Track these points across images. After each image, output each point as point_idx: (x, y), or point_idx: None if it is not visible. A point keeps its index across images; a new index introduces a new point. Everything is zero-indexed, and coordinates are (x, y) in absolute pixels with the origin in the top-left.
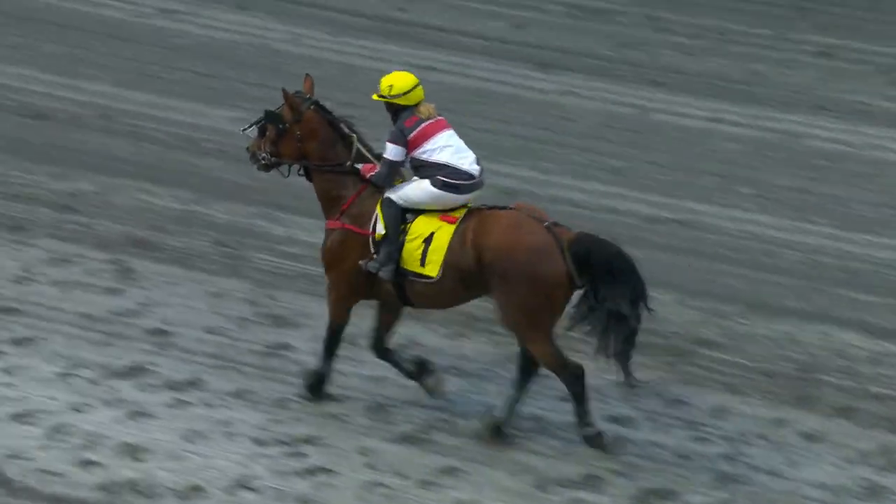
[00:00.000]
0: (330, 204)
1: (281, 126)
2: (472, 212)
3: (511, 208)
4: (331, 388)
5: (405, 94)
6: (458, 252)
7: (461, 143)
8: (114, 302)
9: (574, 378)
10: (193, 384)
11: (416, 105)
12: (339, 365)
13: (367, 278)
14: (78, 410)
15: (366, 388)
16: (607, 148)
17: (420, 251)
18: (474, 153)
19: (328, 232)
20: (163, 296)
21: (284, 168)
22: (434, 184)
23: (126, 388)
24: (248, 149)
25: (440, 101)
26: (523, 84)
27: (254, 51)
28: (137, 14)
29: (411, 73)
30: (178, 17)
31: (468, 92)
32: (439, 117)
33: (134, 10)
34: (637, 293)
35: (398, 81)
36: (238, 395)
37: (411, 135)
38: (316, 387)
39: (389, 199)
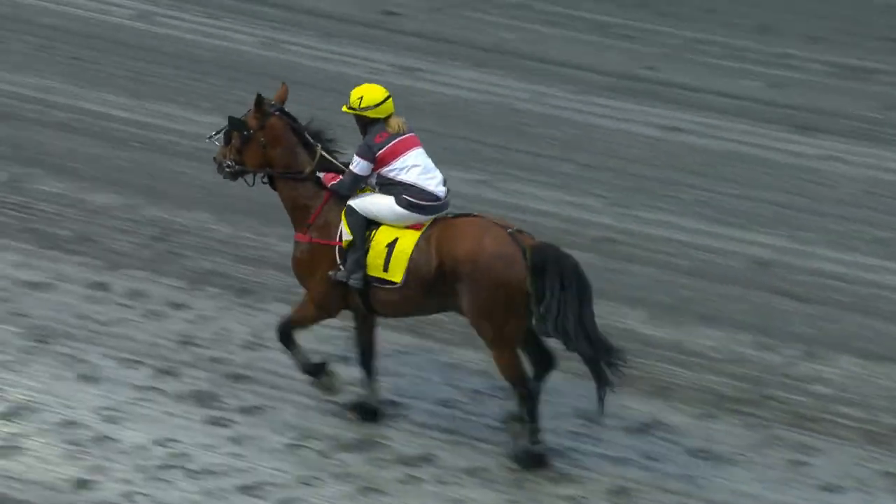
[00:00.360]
0: (296, 214)
1: (245, 133)
2: (437, 219)
3: (475, 215)
4: (567, 467)
5: (375, 106)
6: (422, 258)
7: (429, 162)
8: (345, 371)
9: (531, 395)
10: (426, 459)
11: (387, 118)
12: (576, 443)
13: (340, 289)
14: (307, 484)
15: (606, 469)
16: (871, 217)
17: (384, 257)
18: (442, 174)
19: (296, 244)
20: (395, 365)
21: (250, 177)
22: (399, 202)
23: (356, 462)
24: (214, 158)
25: (686, 164)
26: (779, 147)
27: (492, 109)
28: (370, 70)
29: (384, 89)
30: (419, 75)
31: (718, 155)
32: (409, 133)
33: (372, 66)
34: (583, 307)
35: (368, 93)
36: (472, 472)
37: (380, 152)
38: (319, 375)
39: (351, 208)
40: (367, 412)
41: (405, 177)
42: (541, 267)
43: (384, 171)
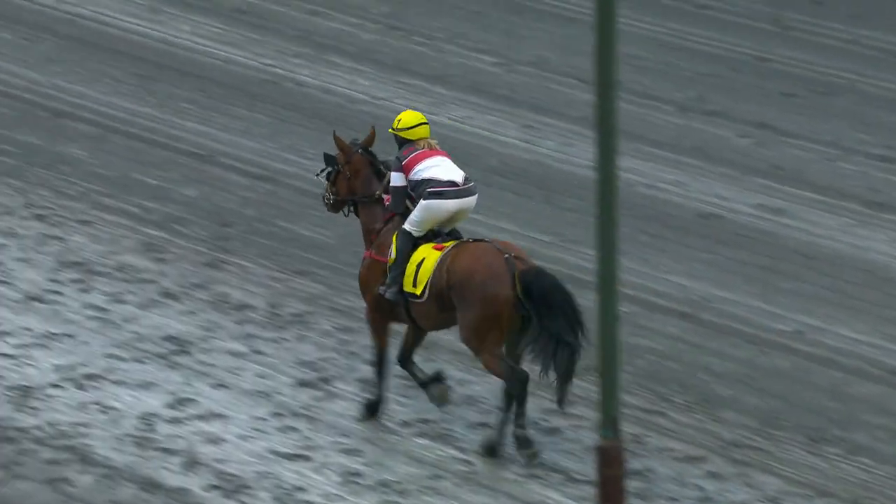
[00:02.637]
0: (367, 236)
1: (336, 167)
2: (457, 243)
3: (485, 241)
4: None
5: (410, 128)
6: (438, 275)
7: (452, 164)
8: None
9: (518, 383)
10: None
11: (418, 140)
12: None
13: (386, 302)
14: None
15: None
16: None
17: (413, 273)
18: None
19: (362, 260)
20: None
21: (346, 209)
22: (424, 197)
23: None
24: (322, 195)
25: None
26: None
27: None
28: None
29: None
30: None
31: None
32: (438, 149)
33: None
34: (570, 323)
35: (406, 117)
36: None
37: (405, 160)
38: (372, 410)
39: (404, 230)
40: (371, 408)
41: (424, 174)
42: (528, 288)
43: (410, 175)
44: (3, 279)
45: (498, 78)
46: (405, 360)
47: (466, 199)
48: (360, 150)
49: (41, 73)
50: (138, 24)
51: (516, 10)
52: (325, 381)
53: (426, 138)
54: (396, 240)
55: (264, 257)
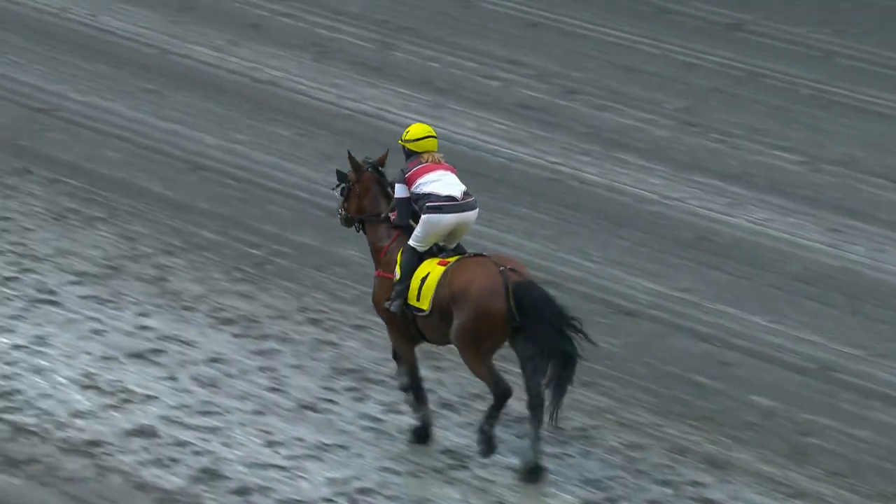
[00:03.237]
0: (375, 254)
1: (347, 185)
2: (459, 258)
3: (484, 255)
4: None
5: (416, 140)
6: (440, 289)
7: (454, 178)
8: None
9: (500, 394)
10: None
11: (424, 153)
12: None
13: (398, 317)
14: None
15: None
16: None
17: (417, 288)
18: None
19: (374, 280)
20: None
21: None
22: (424, 211)
23: None
24: (336, 210)
25: None
26: None
27: None
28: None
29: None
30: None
31: None
32: (443, 162)
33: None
34: (560, 335)
35: (414, 129)
36: None
37: (409, 173)
38: (422, 435)
39: (409, 246)
40: (420, 435)
41: (425, 188)
42: (520, 300)
43: (413, 188)
44: (276, 386)
45: (801, 177)
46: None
47: (466, 213)
48: (369, 169)
49: (315, 169)
50: (418, 120)
51: (821, 104)
52: (611, 500)
53: (432, 151)
54: (401, 255)
55: None
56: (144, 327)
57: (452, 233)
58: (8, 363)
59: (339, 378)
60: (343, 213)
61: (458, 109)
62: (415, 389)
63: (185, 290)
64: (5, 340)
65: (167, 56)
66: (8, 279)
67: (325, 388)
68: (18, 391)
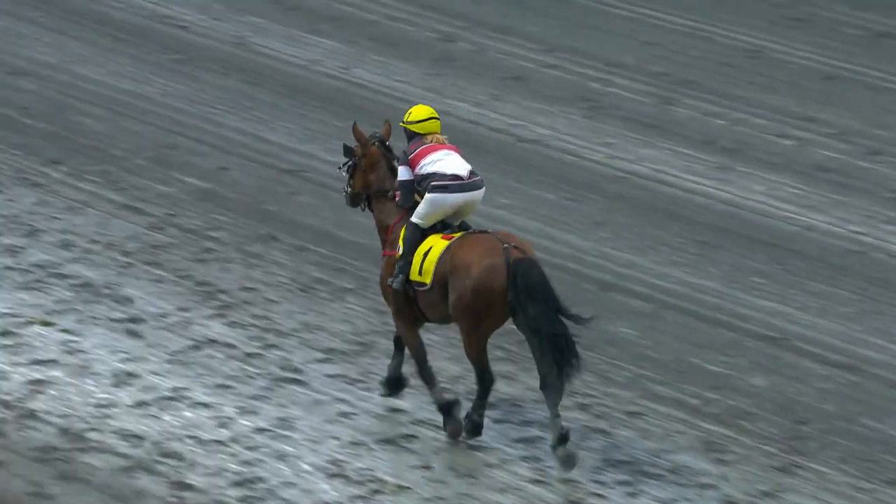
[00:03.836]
0: (381, 233)
1: (353, 160)
2: (463, 234)
3: (488, 232)
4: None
5: (419, 122)
6: (443, 264)
7: (458, 158)
8: None
9: (488, 381)
10: None
11: (427, 134)
12: None
13: (406, 297)
14: None
15: None
16: None
17: (419, 262)
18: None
19: (383, 260)
20: None
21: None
22: (429, 190)
23: None
24: (343, 189)
25: None
26: None
27: None
28: None
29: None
30: None
31: None
32: (447, 144)
33: None
34: (550, 315)
35: (416, 111)
36: None
37: (412, 154)
38: (449, 416)
39: (411, 222)
40: (447, 411)
41: (428, 168)
42: (514, 278)
43: (417, 170)
44: (540, 478)
45: None
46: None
47: (472, 192)
48: (376, 143)
49: (585, 237)
50: (701, 184)
51: None
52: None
53: (435, 133)
54: (404, 231)
55: (846, 462)
56: (396, 410)
57: (458, 212)
58: (249, 448)
59: (611, 470)
60: (349, 190)
61: (746, 171)
62: (422, 373)
63: (442, 370)
64: (247, 423)
65: None
66: (250, 355)
67: (595, 482)
68: (260, 479)
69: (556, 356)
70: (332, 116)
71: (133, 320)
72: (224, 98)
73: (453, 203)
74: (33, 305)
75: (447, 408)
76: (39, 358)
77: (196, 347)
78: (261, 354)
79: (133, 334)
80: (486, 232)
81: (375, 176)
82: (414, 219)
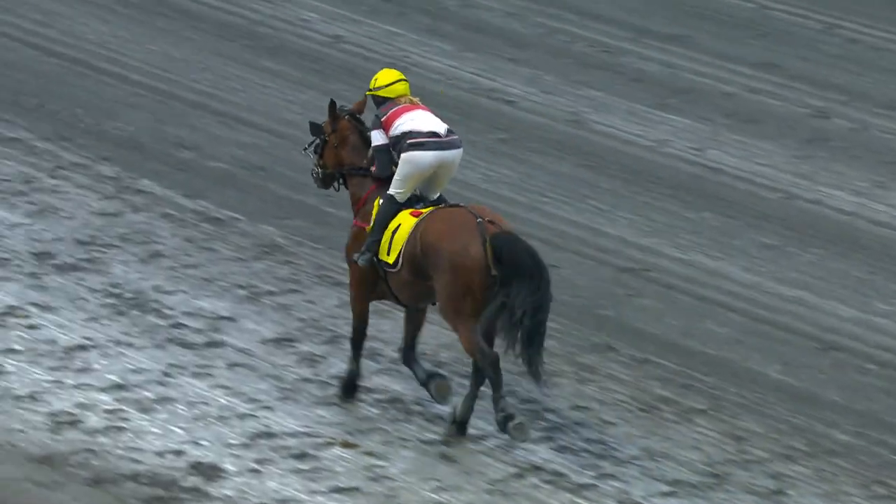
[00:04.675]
0: (354, 206)
1: (322, 137)
2: (434, 209)
3: (460, 206)
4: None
5: (387, 86)
6: (412, 242)
7: (433, 117)
8: None
9: (490, 364)
10: None
11: (398, 97)
12: None
13: (372, 274)
14: None
15: None
16: None
17: (387, 241)
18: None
19: (350, 230)
20: None
21: (336, 185)
22: (403, 150)
23: None
24: (311, 171)
25: None
26: None
27: None
28: None
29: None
30: None
31: None
32: (420, 104)
33: None
34: (538, 290)
35: (382, 76)
36: None
37: (384, 117)
38: (349, 388)
39: (388, 196)
40: (348, 387)
41: (404, 128)
42: (499, 253)
43: (391, 132)
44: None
45: None
46: (407, 358)
47: (449, 151)
48: (346, 117)
49: None
50: None
51: None
52: None
53: (406, 95)
54: (379, 205)
55: None
56: None
57: (435, 177)
58: None
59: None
60: (319, 170)
61: None
62: (354, 344)
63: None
64: None
65: (792, 202)
66: (582, 486)
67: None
68: None
69: (530, 326)
70: (683, 207)
71: (446, 443)
72: (556, 184)
73: (430, 162)
74: (333, 424)
75: (350, 383)
76: (340, 485)
77: (519, 476)
78: (595, 486)
79: (447, 459)
80: (457, 205)
81: (347, 151)
82: (391, 190)
